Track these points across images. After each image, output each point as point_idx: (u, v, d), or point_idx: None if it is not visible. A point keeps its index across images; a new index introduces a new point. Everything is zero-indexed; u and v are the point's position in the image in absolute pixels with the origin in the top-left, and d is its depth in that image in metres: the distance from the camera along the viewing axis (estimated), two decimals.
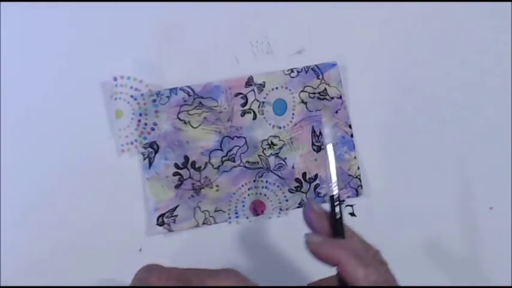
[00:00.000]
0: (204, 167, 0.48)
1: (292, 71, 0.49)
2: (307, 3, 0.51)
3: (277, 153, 0.49)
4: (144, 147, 0.48)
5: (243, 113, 0.49)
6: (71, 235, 0.47)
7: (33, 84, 0.49)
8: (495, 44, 0.51)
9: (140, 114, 0.48)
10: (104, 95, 0.49)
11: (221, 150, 0.49)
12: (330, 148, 0.34)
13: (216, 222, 0.48)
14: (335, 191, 0.34)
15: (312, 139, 0.49)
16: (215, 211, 0.48)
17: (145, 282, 0.30)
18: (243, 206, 0.48)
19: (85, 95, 0.49)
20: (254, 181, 0.48)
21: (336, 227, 0.34)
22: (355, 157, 0.49)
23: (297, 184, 0.49)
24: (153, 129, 0.48)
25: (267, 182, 0.48)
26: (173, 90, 0.49)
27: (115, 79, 0.48)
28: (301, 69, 0.49)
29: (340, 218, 0.34)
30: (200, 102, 0.49)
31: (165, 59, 0.50)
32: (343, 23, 0.51)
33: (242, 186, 0.48)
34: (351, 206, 0.49)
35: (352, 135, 0.49)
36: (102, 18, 0.50)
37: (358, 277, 0.31)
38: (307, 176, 0.49)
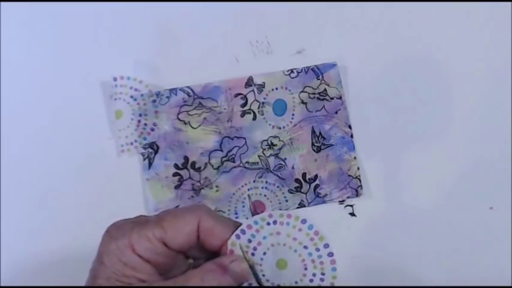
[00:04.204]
0: (204, 168, 0.48)
1: (292, 71, 0.49)
2: (307, 3, 0.51)
3: (277, 154, 0.49)
4: (144, 148, 0.48)
5: (243, 114, 0.49)
6: (70, 235, 0.47)
7: (33, 84, 0.49)
8: (495, 44, 0.51)
9: (140, 115, 0.48)
10: (103, 95, 0.49)
11: (221, 150, 0.49)
12: None
13: None
14: None
15: (312, 139, 0.49)
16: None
17: None
18: (243, 206, 0.48)
19: (85, 95, 0.49)
20: (254, 181, 0.48)
21: None
22: (355, 157, 0.49)
23: (297, 184, 0.49)
24: (152, 130, 0.48)
25: (266, 182, 0.48)
26: (173, 91, 0.49)
27: (115, 79, 0.48)
28: (301, 70, 0.49)
29: None
30: (200, 103, 0.49)
31: (165, 59, 0.50)
32: (343, 23, 0.51)
33: (242, 186, 0.48)
34: (351, 206, 0.49)
35: (352, 136, 0.49)
36: (102, 18, 0.50)
37: None
38: (307, 177, 0.49)
